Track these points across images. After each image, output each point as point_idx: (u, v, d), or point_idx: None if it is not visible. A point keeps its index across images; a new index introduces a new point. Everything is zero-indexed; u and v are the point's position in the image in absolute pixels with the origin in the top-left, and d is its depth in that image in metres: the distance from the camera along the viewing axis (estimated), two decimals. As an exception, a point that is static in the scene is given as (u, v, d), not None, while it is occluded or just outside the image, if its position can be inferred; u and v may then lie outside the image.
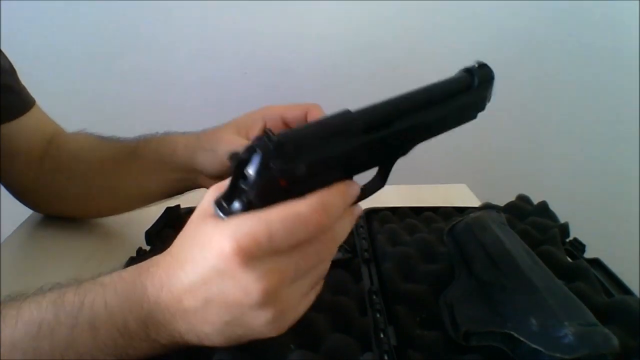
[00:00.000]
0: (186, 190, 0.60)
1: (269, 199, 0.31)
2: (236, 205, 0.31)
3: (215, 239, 0.31)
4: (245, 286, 0.31)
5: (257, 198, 0.31)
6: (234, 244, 0.30)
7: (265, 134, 0.30)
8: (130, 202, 0.62)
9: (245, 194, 0.31)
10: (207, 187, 0.52)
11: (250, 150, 0.30)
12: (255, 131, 0.54)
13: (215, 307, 0.33)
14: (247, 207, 0.31)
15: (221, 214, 0.32)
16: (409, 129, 0.36)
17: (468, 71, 0.39)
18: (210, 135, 0.55)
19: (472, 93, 0.39)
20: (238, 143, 0.51)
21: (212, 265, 0.31)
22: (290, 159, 0.31)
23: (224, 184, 0.33)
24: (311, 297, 0.37)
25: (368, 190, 0.37)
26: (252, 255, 0.30)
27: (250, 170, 0.30)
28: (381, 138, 0.35)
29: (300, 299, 0.35)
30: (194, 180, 0.57)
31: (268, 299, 0.32)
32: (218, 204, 0.32)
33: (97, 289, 0.34)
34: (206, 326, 0.34)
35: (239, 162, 0.31)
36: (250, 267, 0.31)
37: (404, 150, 0.38)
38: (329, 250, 0.35)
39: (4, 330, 0.33)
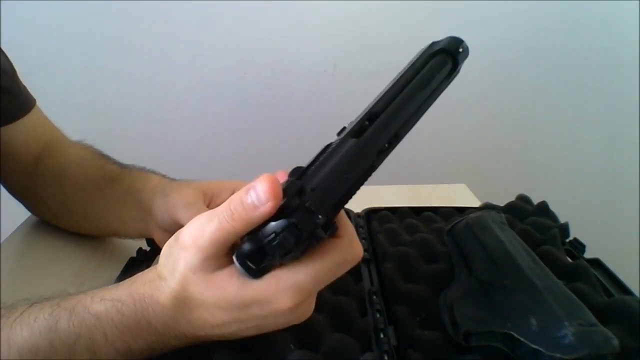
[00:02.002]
0: (140, 237, 0.57)
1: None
2: (269, 264, 0.32)
3: (261, 298, 0.32)
4: (288, 321, 0.34)
5: (289, 261, 0.32)
6: (287, 302, 0.32)
7: (309, 209, 0.30)
8: (97, 229, 0.60)
9: (280, 259, 0.31)
10: (155, 238, 0.53)
11: (295, 231, 0.30)
12: (221, 200, 0.49)
13: (245, 332, 0.35)
14: (277, 265, 0.32)
15: (247, 274, 0.32)
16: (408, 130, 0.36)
17: (449, 54, 0.36)
18: (176, 183, 0.53)
19: (454, 74, 0.37)
20: (188, 199, 0.49)
21: (254, 314, 0.33)
22: (329, 225, 0.31)
23: (205, 236, 0.32)
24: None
25: None
26: (300, 304, 0.33)
27: (292, 242, 0.30)
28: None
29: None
30: (147, 225, 0.53)
31: (300, 321, 0.35)
32: (244, 265, 0.32)
33: (92, 320, 0.34)
34: (227, 336, 0.35)
35: (280, 241, 0.30)
36: (295, 311, 0.33)
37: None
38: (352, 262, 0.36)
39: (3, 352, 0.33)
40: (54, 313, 0.34)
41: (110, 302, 0.34)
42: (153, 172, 0.57)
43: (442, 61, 0.36)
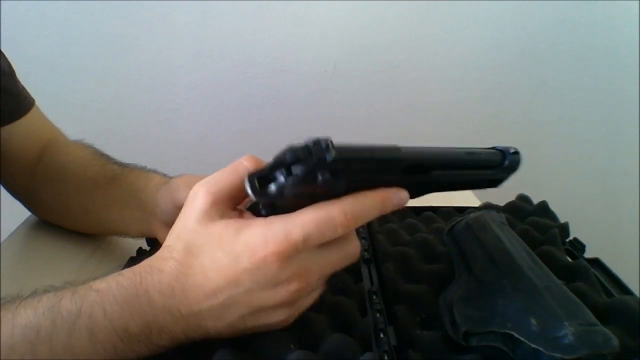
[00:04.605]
0: (141, 236, 0.58)
1: (301, 197, 0.33)
2: (271, 188, 0.33)
3: (251, 243, 0.33)
4: (277, 285, 0.34)
5: (290, 193, 0.32)
6: (272, 247, 0.32)
7: (325, 141, 0.31)
8: (98, 228, 0.61)
9: (282, 185, 0.32)
10: (158, 237, 0.53)
11: (305, 151, 0.31)
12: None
13: (235, 307, 0.34)
14: (279, 194, 0.33)
15: (251, 193, 0.33)
16: (439, 181, 0.39)
17: (502, 153, 0.43)
18: (179, 176, 0.54)
19: (498, 171, 0.43)
20: (190, 180, 0.49)
21: (244, 268, 0.33)
22: (337, 175, 0.32)
23: (218, 182, 0.36)
24: (317, 294, 0.39)
25: None
26: (288, 256, 0.33)
27: (298, 171, 0.31)
28: (414, 181, 0.38)
29: (303, 305, 0.38)
30: (149, 225, 0.54)
31: (293, 298, 0.35)
32: (251, 182, 0.33)
33: (93, 296, 0.34)
34: (220, 323, 0.35)
35: (289, 154, 0.32)
36: (284, 268, 0.33)
37: (426, 192, 0.41)
38: (353, 256, 0.37)
39: (6, 335, 0.33)
40: (58, 293, 0.35)
41: (112, 277, 0.35)
42: (154, 171, 0.57)
43: (494, 155, 0.43)
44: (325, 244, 0.34)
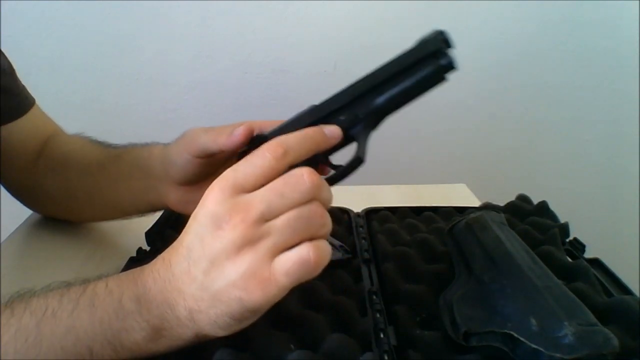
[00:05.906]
0: (150, 209, 0.57)
1: None
2: None
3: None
4: (220, 225, 0.33)
5: None
6: (210, 188, 0.35)
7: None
8: (105, 211, 0.61)
9: None
10: (169, 203, 0.54)
11: None
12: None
13: (196, 259, 0.34)
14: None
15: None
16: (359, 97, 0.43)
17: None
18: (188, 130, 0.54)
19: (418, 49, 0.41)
20: (203, 129, 0.50)
21: (193, 214, 0.35)
22: None
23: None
24: (305, 253, 0.33)
25: (348, 167, 0.42)
26: (221, 189, 0.34)
27: None
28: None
29: (283, 260, 0.33)
30: (158, 191, 0.54)
31: (242, 236, 0.33)
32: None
33: (100, 279, 0.37)
34: (193, 284, 0.34)
35: None
36: (220, 202, 0.34)
37: (369, 121, 0.44)
38: (300, 176, 0.34)
39: (15, 319, 0.35)
40: (71, 283, 0.37)
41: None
42: (155, 142, 0.57)
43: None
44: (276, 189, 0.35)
